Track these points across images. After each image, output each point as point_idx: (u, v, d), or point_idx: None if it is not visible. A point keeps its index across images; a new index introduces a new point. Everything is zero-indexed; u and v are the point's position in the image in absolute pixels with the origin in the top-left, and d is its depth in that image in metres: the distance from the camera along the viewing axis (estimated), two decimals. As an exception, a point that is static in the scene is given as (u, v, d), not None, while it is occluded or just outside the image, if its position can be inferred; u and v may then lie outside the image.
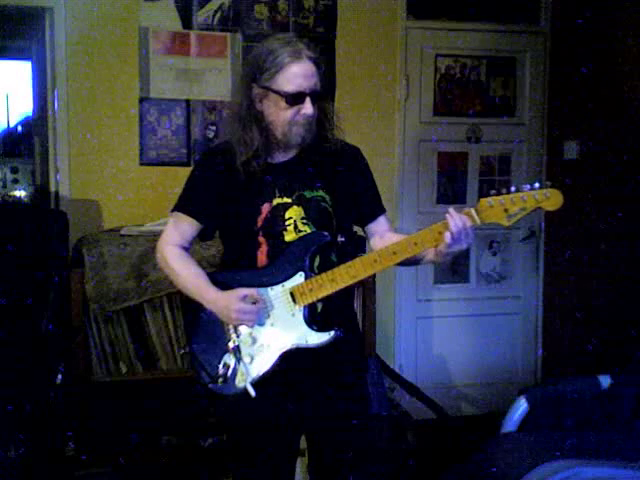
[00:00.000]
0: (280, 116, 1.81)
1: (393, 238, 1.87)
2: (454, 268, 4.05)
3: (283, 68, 1.77)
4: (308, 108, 1.79)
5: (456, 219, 1.73)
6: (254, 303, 1.81)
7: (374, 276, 3.05)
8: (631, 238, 3.38)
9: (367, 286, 3.10)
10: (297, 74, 1.77)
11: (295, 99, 1.78)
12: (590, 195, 3.58)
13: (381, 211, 2.00)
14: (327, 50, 3.67)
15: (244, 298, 1.80)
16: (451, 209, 1.75)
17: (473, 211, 1.74)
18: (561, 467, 2.26)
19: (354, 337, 2.00)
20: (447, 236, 1.72)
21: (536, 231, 4.07)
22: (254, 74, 1.82)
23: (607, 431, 2.63)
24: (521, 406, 2.70)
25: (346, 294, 1.90)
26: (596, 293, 3.65)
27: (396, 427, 3.00)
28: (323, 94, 1.84)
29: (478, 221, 1.74)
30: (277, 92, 1.78)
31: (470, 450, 2.59)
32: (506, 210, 1.72)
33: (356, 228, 2.03)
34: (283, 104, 1.79)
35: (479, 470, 2.49)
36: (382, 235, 1.97)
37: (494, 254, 4.09)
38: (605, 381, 2.76)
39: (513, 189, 1.72)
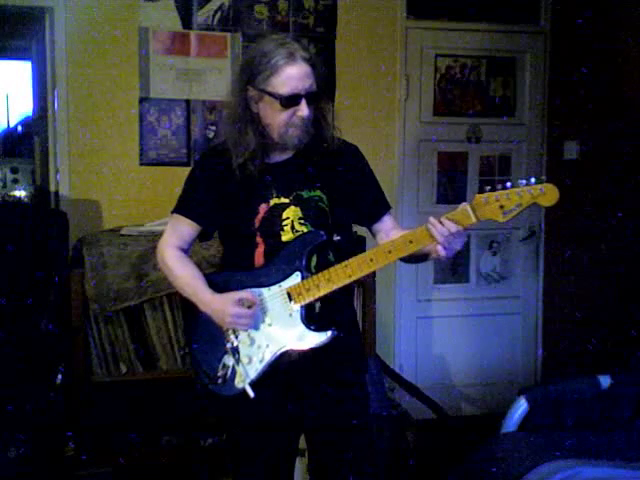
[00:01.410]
0: (276, 118, 1.80)
1: (398, 235, 1.85)
2: (454, 268, 4.05)
3: (277, 70, 1.76)
4: (304, 110, 1.78)
5: (439, 229, 1.71)
6: (249, 307, 1.81)
7: (374, 276, 3.05)
8: (631, 238, 3.38)
9: (367, 286, 3.09)
10: (292, 76, 1.76)
11: (290, 101, 1.77)
12: (590, 195, 3.58)
13: (385, 210, 1.99)
14: (327, 50, 3.67)
15: (239, 301, 1.80)
16: (431, 218, 1.73)
17: (469, 208, 1.72)
18: (561, 467, 2.26)
19: (353, 337, 2.00)
20: (439, 250, 1.72)
21: (536, 231, 4.07)
22: (249, 76, 1.80)
23: (607, 431, 2.63)
24: (521, 406, 2.70)
25: (345, 293, 1.90)
26: (596, 293, 3.65)
27: (396, 427, 2.99)
28: (319, 94, 1.83)
29: (473, 219, 1.71)
30: (272, 94, 1.77)
31: (470, 450, 2.59)
32: (502, 206, 1.69)
33: (355, 227, 2.03)
34: (278, 106, 1.78)
35: (479, 470, 2.49)
36: (387, 233, 1.95)
37: (494, 254, 4.09)
38: (605, 381, 2.76)
39: (509, 185, 1.69)
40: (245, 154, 1.82)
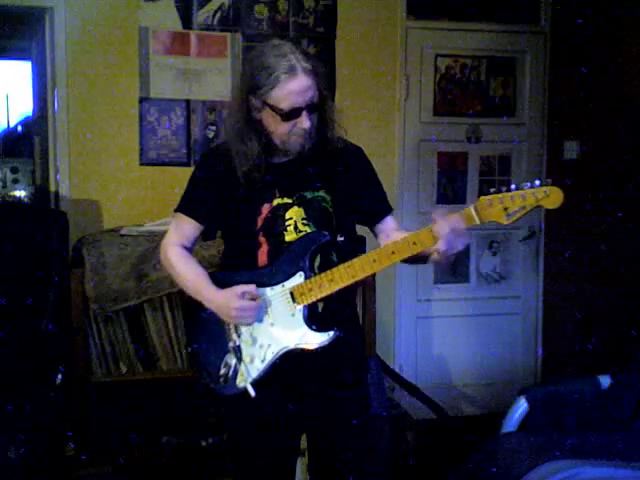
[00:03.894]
0: (278, 128, 1.80)
1: (400, 237, 1.84)
2: (454, 268, 4.05)
3: (277, 85, 1.74)
4: (305, 122, 1.77)
5: (443, 226, 1.70)
6: (253, 300, 1.81)
7: (374, 276, 3.05)
8: (631, 238, 3.38)
9: (367, 286, 3.10)
10: (292, 91, 1.74)
11: (291, 115, 1.77)
12: (590, 195, 3.57)
13: (387, 211, 1.99)
14: (327, 50, 3.67)
15: (242, 295, 1.80)
16: (436, 215, 1.72)
17: (472, 210, 1.72)
18: (561, 467, 2.26)
19: (355, 337, 2.00)
20: (440, 245, 1.70)
21: (536, 231, 4.07)
22: (249, 87, 1.79)
23: (607, 431, 2.63)
24: (521, 406, 2.70)
25: (348, 293, 1.90)
26: (596, 293, 3.65)
27: (396, 427, 3.00)
28: (321, 102, 1.81)
29: (477, 220, 1.71)
30: (273, 108, 1.77)
31: (470, 450, 2.59)
32: (505, 209, 1.69)
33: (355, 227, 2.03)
34: (280, 119, 1.78)
35: (479, 470, 2.49)
36: (389, 234, 1.95)
37: (494, 254, 4.09)
38: (605, 381, 2.76)
39: (513, 187, 1.68)
40: (249, 163, 1.82)
